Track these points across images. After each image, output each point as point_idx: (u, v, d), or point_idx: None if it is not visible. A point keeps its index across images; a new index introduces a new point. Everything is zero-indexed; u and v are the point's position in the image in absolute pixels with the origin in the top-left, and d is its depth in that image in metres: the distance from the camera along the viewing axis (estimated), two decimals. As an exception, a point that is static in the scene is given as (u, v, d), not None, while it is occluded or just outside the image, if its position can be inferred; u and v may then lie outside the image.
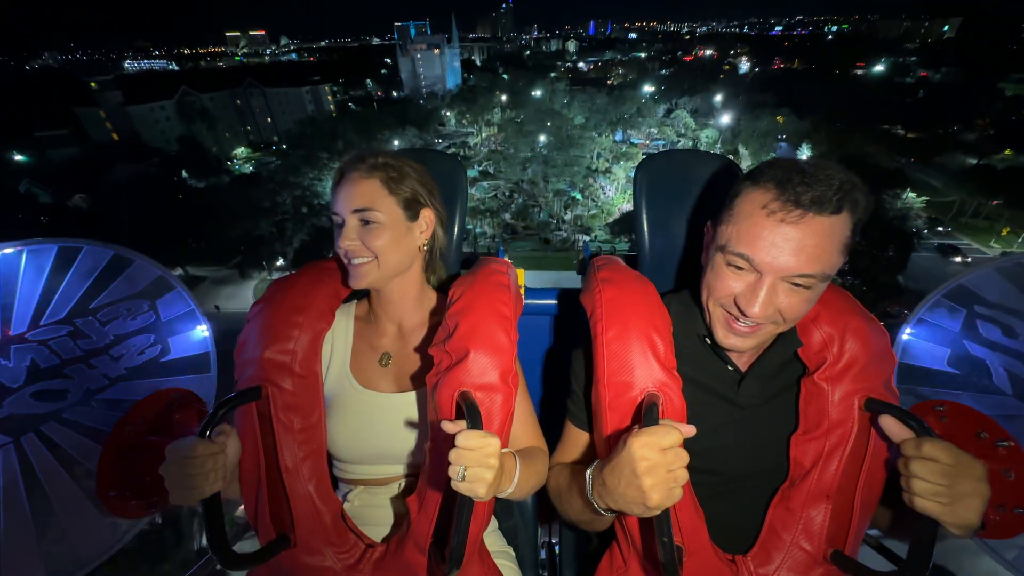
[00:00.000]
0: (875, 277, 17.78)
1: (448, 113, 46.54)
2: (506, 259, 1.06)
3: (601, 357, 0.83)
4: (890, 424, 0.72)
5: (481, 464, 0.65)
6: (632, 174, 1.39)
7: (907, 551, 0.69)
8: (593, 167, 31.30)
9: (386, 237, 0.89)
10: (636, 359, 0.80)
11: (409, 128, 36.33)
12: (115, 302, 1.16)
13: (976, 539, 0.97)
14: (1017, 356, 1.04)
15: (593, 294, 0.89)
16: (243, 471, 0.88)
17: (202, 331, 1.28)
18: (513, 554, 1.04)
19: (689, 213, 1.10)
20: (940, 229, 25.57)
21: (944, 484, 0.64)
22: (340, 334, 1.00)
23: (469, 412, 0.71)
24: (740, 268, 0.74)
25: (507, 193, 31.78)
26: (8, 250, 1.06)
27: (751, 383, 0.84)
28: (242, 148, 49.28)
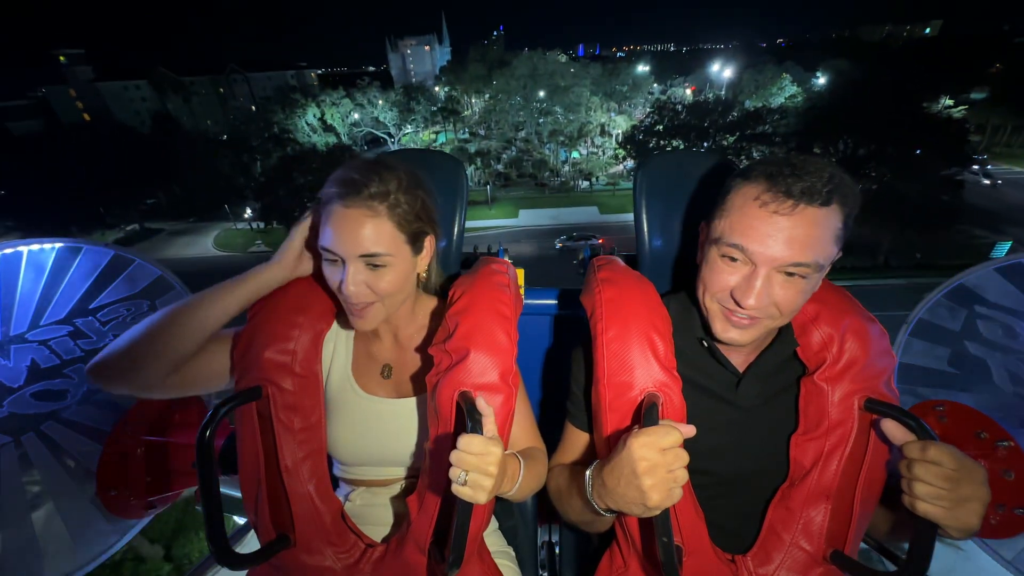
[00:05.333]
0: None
1: (437, 88, 45.19)
2: (506, 259, 1.06)
3: (601, 357, 0.83)
4: (891, 427, 0.72)
5: (481, 471, 0.65)
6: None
7: (906, 552, 0.69)
8: (591, 126, 30.48)
9: (392, 277, 0.83)
10: (636, 359, 0.80)
11: (391, 91, 36.80)
12: (115, 302, 1.16)
13: (976, 539, 0.97)
14: (1017, 356, 1.04)
15: (593, 294, 0.89)
16: (243, 471, 0.88)
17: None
18: (513, 554, 1.04)
19: (689, 214, 1.10)
20: (976, 157, 24.77)
21: (946, 488, 0.63)
22: (342, 338, 0.99)
23: (469, 412, 0.71)
24: (734, 259, 0.75)
25: (499, 148, 30.81)
26: (8, 250, 1.06)
27: (750, 384, 0.84)
28: (224, 137, 47.20)
